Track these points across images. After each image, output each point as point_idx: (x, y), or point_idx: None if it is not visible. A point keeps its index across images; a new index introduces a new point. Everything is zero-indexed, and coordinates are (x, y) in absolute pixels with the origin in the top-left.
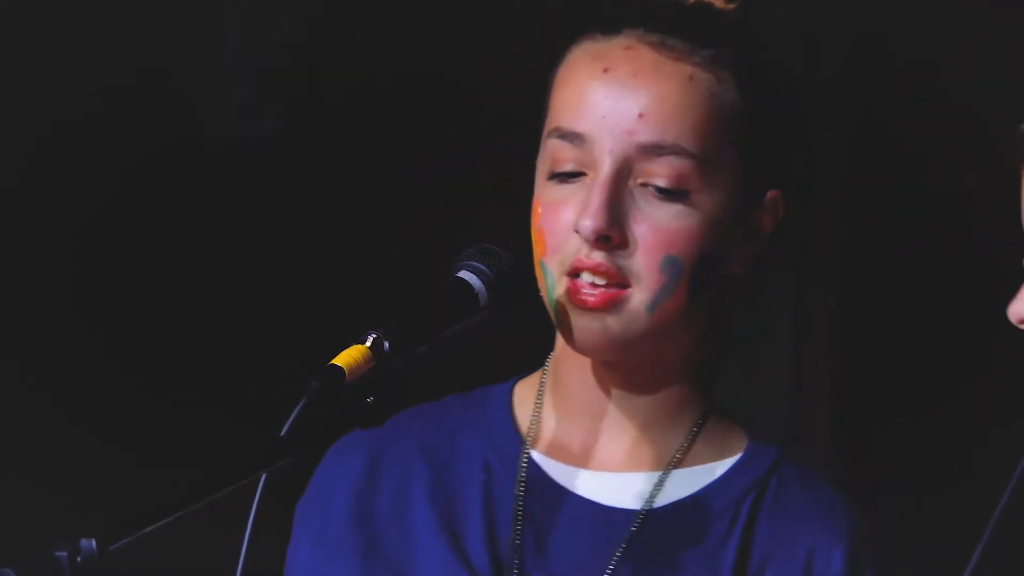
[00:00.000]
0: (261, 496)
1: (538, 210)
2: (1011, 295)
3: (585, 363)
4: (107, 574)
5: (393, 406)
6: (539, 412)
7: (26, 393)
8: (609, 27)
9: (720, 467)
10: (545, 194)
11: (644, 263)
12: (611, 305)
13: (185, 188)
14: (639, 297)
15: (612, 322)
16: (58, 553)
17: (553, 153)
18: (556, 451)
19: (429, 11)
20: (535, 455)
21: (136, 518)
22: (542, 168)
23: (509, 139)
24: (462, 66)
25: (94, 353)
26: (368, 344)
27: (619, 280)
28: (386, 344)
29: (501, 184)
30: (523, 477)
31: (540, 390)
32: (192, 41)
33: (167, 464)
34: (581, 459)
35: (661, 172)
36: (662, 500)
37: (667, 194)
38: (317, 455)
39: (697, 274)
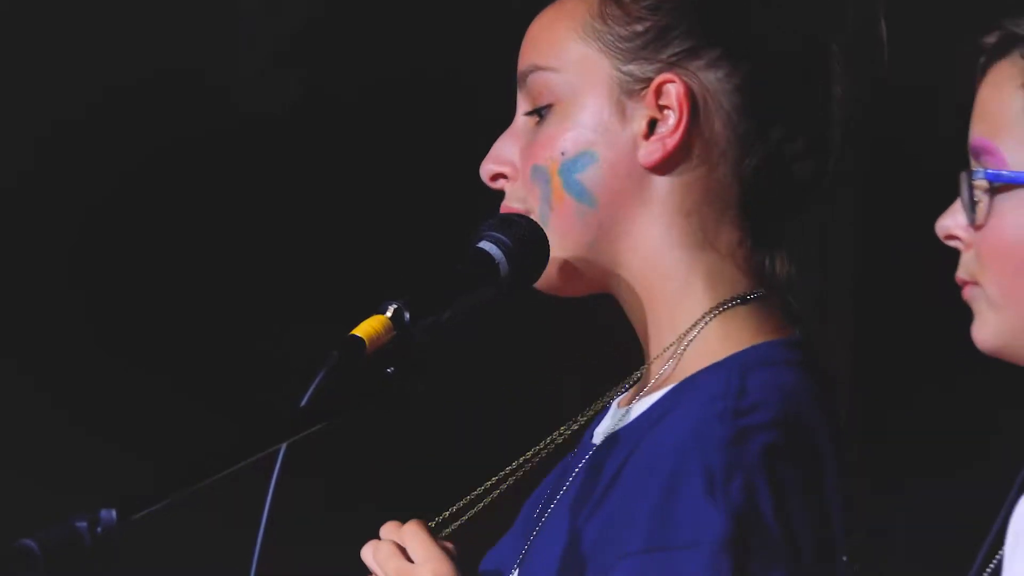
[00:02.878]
0: (281, 467)
1: None
2: None
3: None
4: (127, 545)
5: (413, 377)
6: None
7: (48, 367)
8: None
9: (666, 389)
10: None
11: (523, 183)
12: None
13: (206, 160)
14: (534, 216)
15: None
16: (78, 523)
17: None
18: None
19: None
20: (612, 407)
21: (157, 489)
22: None
23: None
24: (486, 33)
25: (116, 323)
26: (388, 315)
27: (519, 210)
28: (406, 315)
29: None
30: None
31: None
32: (209, 22)
33: (187, 436)
34: (619, 399)
35: (528, 95)
36: (605, 431)
37: (533, 114)
38: (337, 426)
39: (567, 172)
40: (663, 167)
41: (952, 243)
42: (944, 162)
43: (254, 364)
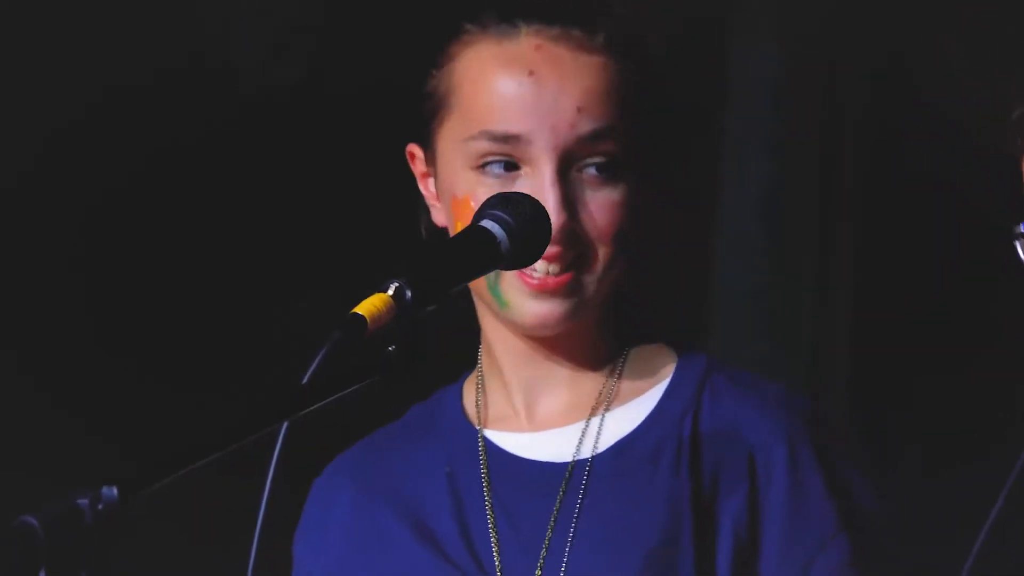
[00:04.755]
0: (282, 445)
1: (471, 202)
2: None
3: (513, 342)
4: (129, 522)
5: (415, 356)
6: (484, 395)
7: (49, 349)
8: (504, 18)
9: (653, 396)
10: (475, 185)
11: (595, 243)
12: (567, 287)
13: (206, 146)
14: (591, 276)
15: (567, 303)
16: (79, 501)
17: (479, 151)
18: (503, 424)
19: None
20: (488, 433)
21: (158, 467)
22: (458, 162)
23: None
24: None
25: (116, 315)
26: (390, 293)
27: (573, 264)
28: (408, 293)
29: None
30: (482, 457)
31: (480, 375)
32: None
33: (188, 413)
34: (526, 424)
35: (598, 154)
36: (605, 443)
37: (605, 172)
38: (337, 406)
39: (634, 242)
40: None
41: None
42: (944, 162)
43: (255, 345)
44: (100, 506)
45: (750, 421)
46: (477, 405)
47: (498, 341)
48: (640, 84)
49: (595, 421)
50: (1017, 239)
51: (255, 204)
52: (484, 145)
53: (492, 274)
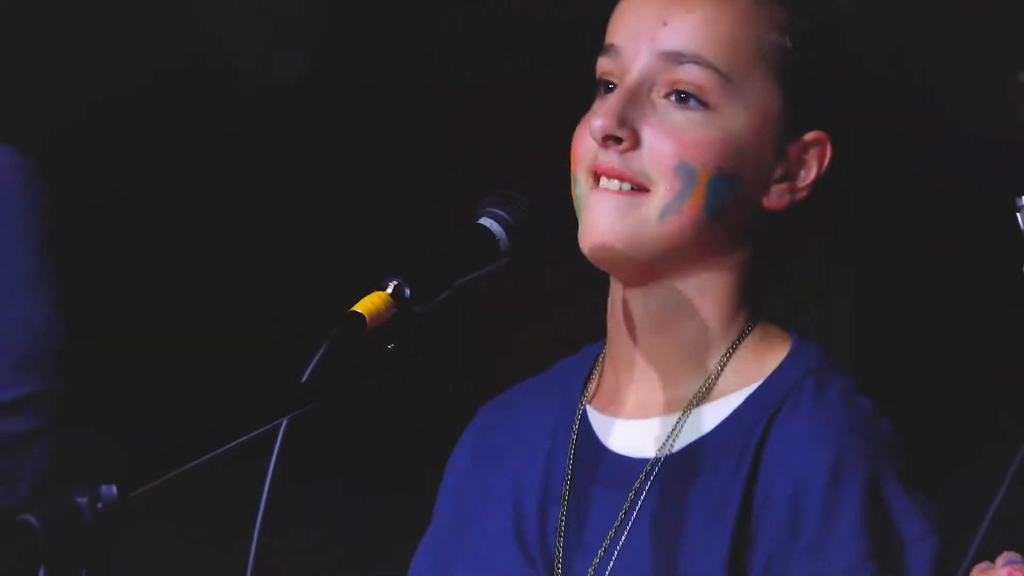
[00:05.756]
0: (282, 443)
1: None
2: None
3: (618, 309)
4: (128, 521)
5: (414, 354)
6: (600, 368)
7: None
8: None
9: (742, 395)
10: (592, 113)
11: (657, 167)
12: (626, 203)
13: (207, 144)
14: (652, 203)
15: (621, 222)
16: (79, 500)
17: (598, 70)
18: (604, 404)
19: None
20: (589, 411)
21: (157, 465)
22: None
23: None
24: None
25: (120, 300)
26: (389, 291)
27: (638, 183)
28: (407, 291)
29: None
30: (575, 437)
31: (604, 346)
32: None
33: (187, 412)
34: (621, 409)
35: (682, 79)
36: (682, 442)
37: (684, 100)
38: (337, 402)
39: (715, 189)
40: (778, 212)
41: None
42: (945, 162)
43: (255, 344)
44: (99, 505)
45: (812, 438)
46: (591, 378)
47: (614, 316)
48: (797, 56)
49: (686, 416)
50: (1019, 211)
51: (255, 204)
52: (599, 61)
53: (580, 193)
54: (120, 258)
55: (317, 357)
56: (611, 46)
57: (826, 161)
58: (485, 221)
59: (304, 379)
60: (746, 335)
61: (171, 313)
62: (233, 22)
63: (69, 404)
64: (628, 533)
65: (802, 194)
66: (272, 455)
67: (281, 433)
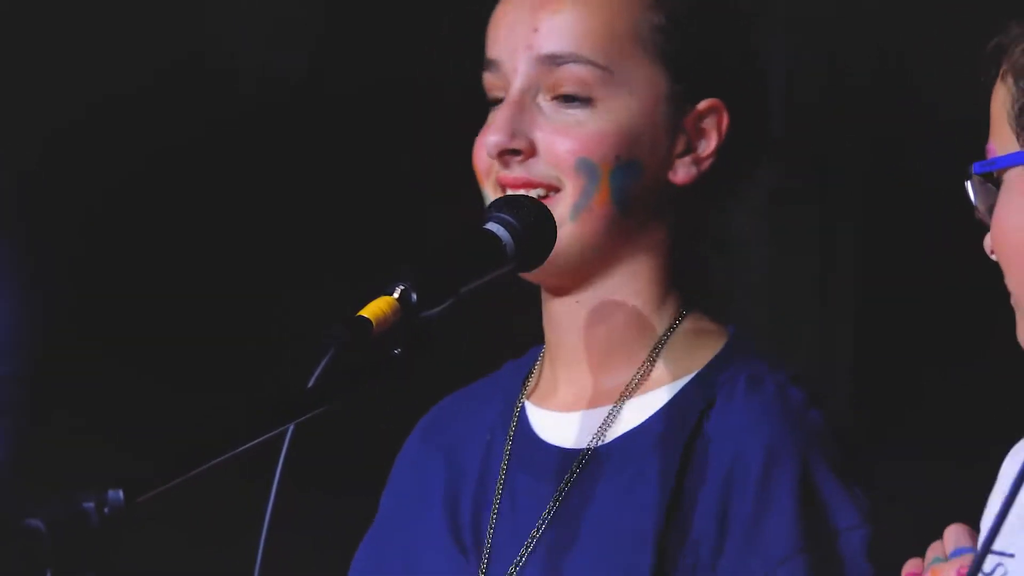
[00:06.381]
0: (288, 448)
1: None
2: None
3: (551, 306)
4: (134, 525)
5: (420, 358)
6: (539, 365)
7: (49, 361)
8: None
9: (676, 387)
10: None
11: (558, 167)
12: None
13: (208, 146)
14: (563, 201)
15: None
16: (85, 504)
17: (484, 86)
18: (542, 398)
19: None
20: (527, 406)
21: (164, 470)
22: None
23: None
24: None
25: (121, 301)
26: (395, 295)
27: (547, 184)
28: (413, 296)
29: None
30: (512, 431)
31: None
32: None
33: (187, 412)
34: (558, 402)
35: (563, 80)
36: (614, 433)
37: (570, 100)
38: (343, 407)
39: (618, 178)
40: (686, 186)
41: (993, 257)
42: (944, 161)
43: (260, 347)
44: (106, 509)
45: (744, 429)
46: (531, 374)
47: (546, 313)
48: (671, 31)
49: (619, 407)
50: (969, 179)
51: (255, 204)
52: (484, 78)
53: None
54: (120, 258)
55: (323, 362)
56: (491, 61)
57: (724, 127)
58: (491, 226)
59: (310, 384)
60: (677, 325)
61: (171, 313)
62: (233, 22)
63: (69, 404)
64: (558, 522)
65: (707, 163)
66: (279, 459)
67: (288, 438)
